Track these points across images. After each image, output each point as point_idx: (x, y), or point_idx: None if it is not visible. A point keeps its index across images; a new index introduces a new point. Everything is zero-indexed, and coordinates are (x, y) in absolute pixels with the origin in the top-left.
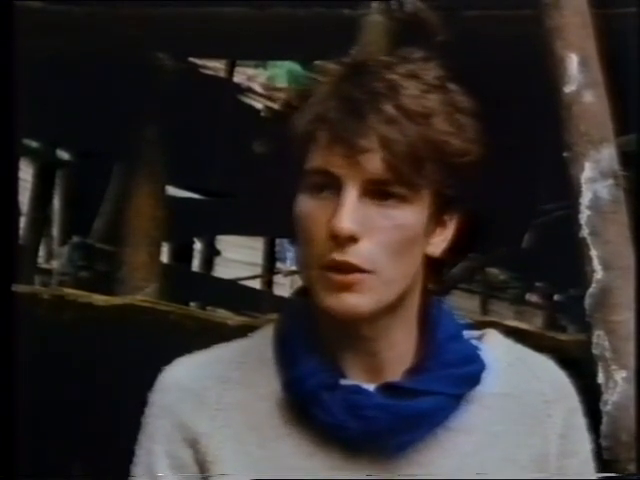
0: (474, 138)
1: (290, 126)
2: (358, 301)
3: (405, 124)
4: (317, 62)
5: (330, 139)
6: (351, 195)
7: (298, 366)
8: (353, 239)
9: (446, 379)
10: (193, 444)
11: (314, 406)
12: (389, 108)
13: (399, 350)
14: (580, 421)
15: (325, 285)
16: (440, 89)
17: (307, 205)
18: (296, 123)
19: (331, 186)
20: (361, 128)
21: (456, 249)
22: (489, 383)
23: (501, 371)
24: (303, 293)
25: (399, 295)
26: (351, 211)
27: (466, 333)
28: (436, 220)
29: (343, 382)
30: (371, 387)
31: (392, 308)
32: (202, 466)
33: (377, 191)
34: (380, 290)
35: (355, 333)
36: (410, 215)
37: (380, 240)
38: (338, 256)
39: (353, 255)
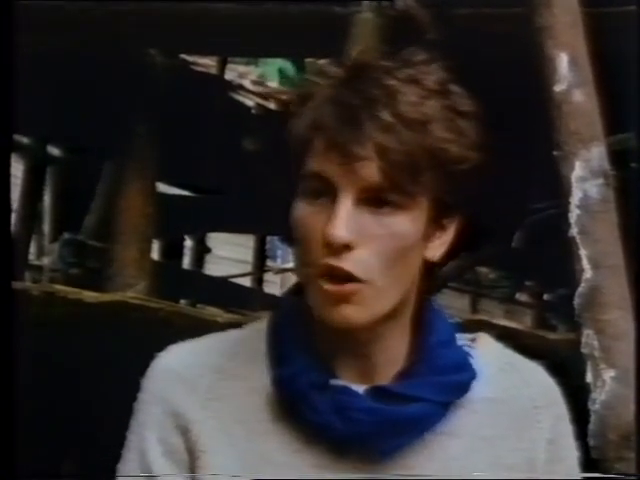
0: (474, 143)
1: (288, 130)
2: (353, 312)
3: (402, 132)
4: (312, 61)
5: (326, 145)
6: (346, 203)
7: (289, 364)
8: (348, 247)
9: (435, 386)
10: (184, 432)
11: (302, 405)
12: (386, 115)
13: (392, 353)
14: (568, 428)
15: (321, 297)
16: (440, 94)
17: (303, 211)
18: (293, 128)
19: (327, 193)
20: (357, 136)
21: (455, 251)
22: (479, 388)
23: (491, 376)
24: (297, 291)
25: (395, 305)
26: (346, 219)
27: (459, 337)
28: (435, 224)
29: (333, 382)
30: (361, 389)
31: (389, 315)
32: (192, 454)
33: (373, 199)
34: (375, 301)
35: (350, 337)
36: (406, 223)
37: (375, 248)
38: (332, 261)
39: (347, 262)
